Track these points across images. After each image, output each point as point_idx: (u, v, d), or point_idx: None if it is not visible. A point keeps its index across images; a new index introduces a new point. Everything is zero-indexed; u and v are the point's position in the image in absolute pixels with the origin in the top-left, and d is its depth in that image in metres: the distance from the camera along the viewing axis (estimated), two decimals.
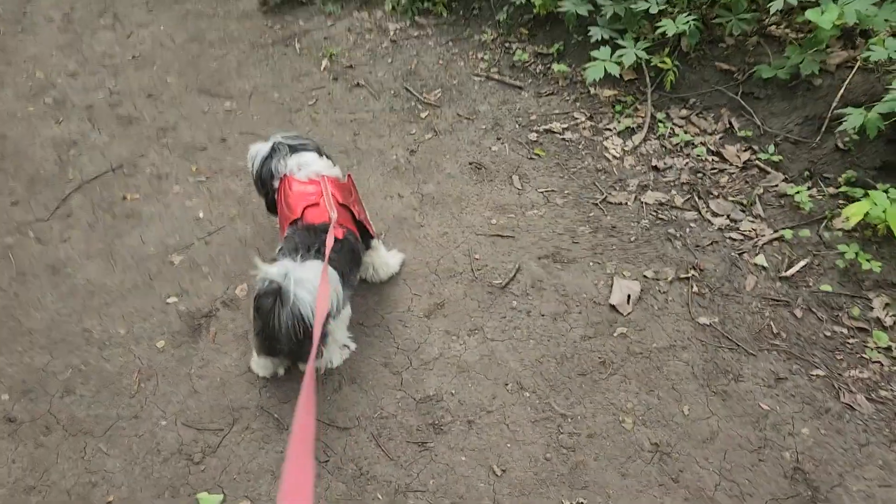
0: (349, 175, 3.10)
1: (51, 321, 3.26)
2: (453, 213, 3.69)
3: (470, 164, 4.00)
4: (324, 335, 2.66)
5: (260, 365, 2.92)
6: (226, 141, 4.31)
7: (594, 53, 4.05)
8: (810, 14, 3.52)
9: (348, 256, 2.77)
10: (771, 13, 3.81)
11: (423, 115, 4.40)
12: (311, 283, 2.46)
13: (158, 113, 4.57)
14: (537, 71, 4.59)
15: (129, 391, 2.97)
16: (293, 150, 3.07)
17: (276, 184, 3.05)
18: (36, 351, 3.13)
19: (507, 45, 4.82)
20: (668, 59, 4.02)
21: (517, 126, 4.23)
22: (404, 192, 3.83)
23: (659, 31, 3.89)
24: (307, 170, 2.97)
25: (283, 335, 2.48)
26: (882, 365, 2.86)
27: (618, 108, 4.17)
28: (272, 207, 3.16)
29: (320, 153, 3.09)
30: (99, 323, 3.25)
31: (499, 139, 4.16)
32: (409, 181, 3.89)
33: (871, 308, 3.02)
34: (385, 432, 2.78)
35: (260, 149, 3.12)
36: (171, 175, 4.06)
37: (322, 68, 4.87)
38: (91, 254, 3.59)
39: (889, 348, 2.89)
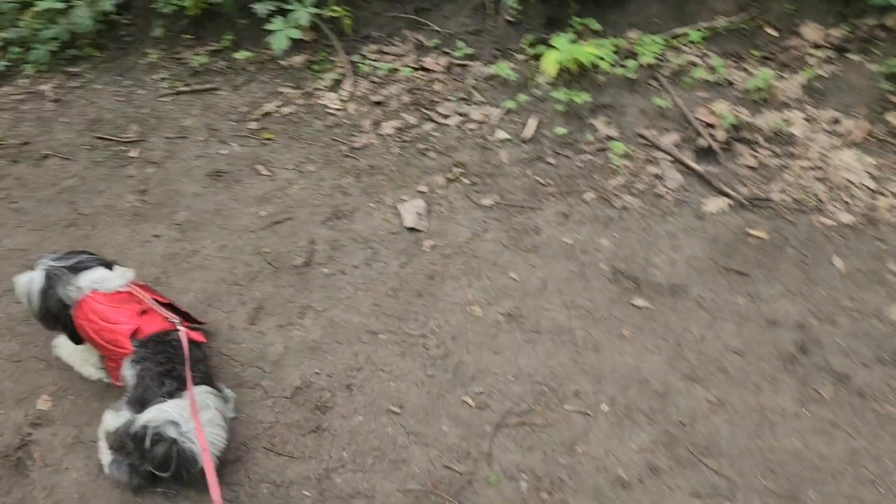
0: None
1: None
2: (220, 225, 3.58)
3: (207, 175, 3.87)
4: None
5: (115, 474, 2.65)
6: None
7: (270, 26, 4.09)
8: None
9: (202, 366, 2.70)
10: None
11: (131, 154, 4.13)
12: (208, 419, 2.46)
13: None
14: (222, 67, 4.53)
15: None
16: (75, 271, 2.79)
17: (72, 311, 2.77)
18: None
19: (177, 56, 4.66)
20: (337, 7, 4.21)
21: (232, 123, 4.16)
22: (158, 230, 3.61)
23: None
24: (108, 285, 2.77)
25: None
26: (627, 167, 3.40)
27: (315, 68, 4.28)
28: (76, 337, 2.86)
29: (108, 266, 2.86)
30: None
31: (222, 142, 4.06)
32: (158, 219, 3.67)
33: (597, 130, 3.55)
34: (277, 439, 2.71)
35: (32, 280, 2.78)
36: None
37: None
38: None
39: (626, 154, 3.44)
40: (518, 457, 2.55)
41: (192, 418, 2.46)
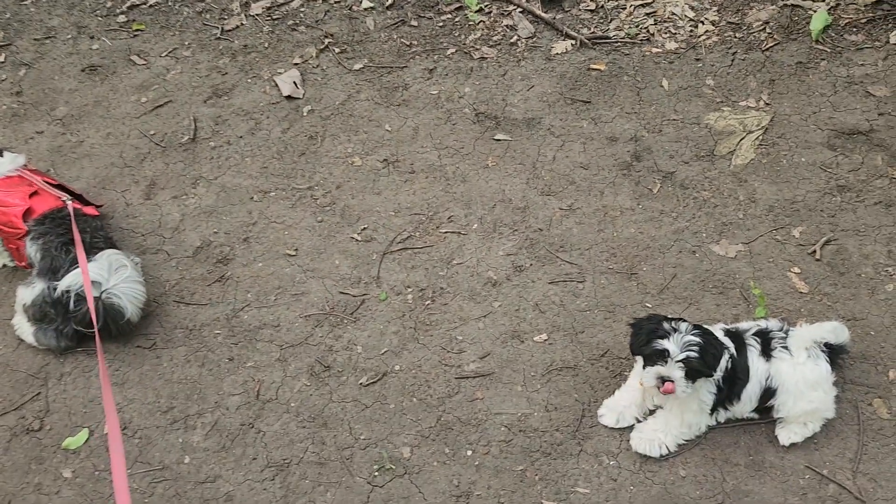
0: None
1: None
2: (102, 115, 3.66)
3: (82, 71, 3.90)
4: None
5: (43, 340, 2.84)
6: None
7: None
8: None
9: (102, 233, 2.89)
10: None
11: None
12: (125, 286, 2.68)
13: None
14: None
15: None
16: None
17: None
18: None
19: None
20: None
21: (100, 18, 4.16)
22: (40, 126, 3.65)
23: None
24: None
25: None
26: (483, 22, 3.68)
27: None
28: None
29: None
30: None
31: (92, 38, 4.07)
32: (38, 116, 3.69)
33: None
34: (185, 292, 2.95)
35: None
36: None
37: None
38: None
39: (481, 10, 3.72)
40: (403, 276, 2.91)
41: (111, 276, 2.67)
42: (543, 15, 3.57)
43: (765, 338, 2.26)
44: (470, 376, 2.61)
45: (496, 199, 3.07)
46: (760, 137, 3.11)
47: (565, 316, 2.73)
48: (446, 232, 3.01)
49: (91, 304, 2.53)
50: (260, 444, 2.53)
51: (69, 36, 4.11)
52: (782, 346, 2.24)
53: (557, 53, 3.47)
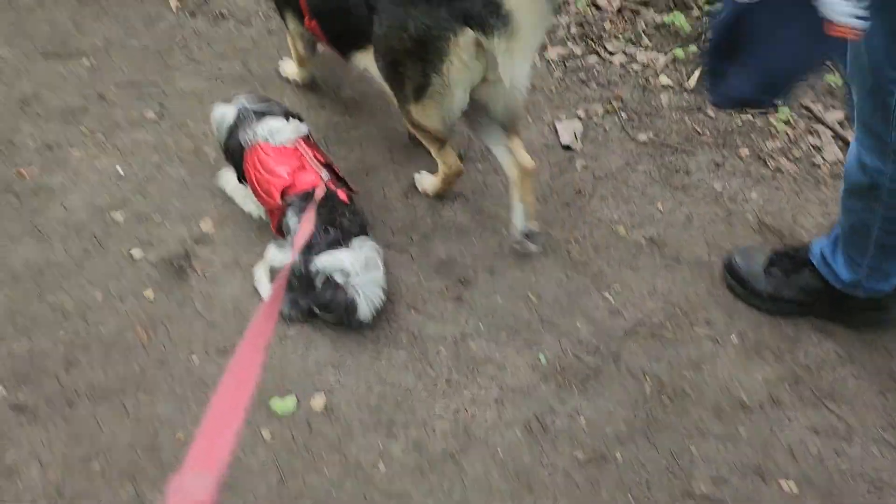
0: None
1: (7, 309, 2.93)
2: (384, 109, 3.76)
3: None
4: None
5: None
6: (105, 97, 3.97)
7: None
8: None
9: (359, 219, 2.88)
10: None
11: None
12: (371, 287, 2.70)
13: (7, 87, 4.07)
14: None
15: (140, 343, 2.80)
16: (260, 116, 3.01)
17: (245, 153, 3.00)
18: (8, 340, 2.82)
19: None
20: None
21: None
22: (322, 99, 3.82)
23: None
24: (279, 137, 2.96)
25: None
26: (787, 133, 3.46)
27: None
28: (243, 177, 3.08)
29: (287, 116, 3.05)
30: (66, 296, 2.97)
31: None
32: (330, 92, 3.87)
33: None
34: (419, 300, 2.91)
35: (225, 114, 3.04)
36: (61, 142, 3.68)
37: (174, 9, 4.58)
38: (14, 235, 3.22)
39: (788, 121, 3.50)
40: (644, 362, 2.70)
41: (361, 271, 2.66)
42: None
43: None
44: (699, 497, 2.34)
45: (763, 320, 2.80)
46: None
47: (821, 472, 2.40)
48: (701, 334, 2.77)
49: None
50: (457, 480, 2.38)
51: None
52: None
53: None
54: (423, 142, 3.02)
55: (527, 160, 2.89)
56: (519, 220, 2.95)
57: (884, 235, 2.38)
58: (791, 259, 2.75)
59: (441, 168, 3.08)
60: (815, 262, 2.68)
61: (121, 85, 4.04)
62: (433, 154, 3.04)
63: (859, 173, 2.30)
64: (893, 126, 2.09)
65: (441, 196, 3.24)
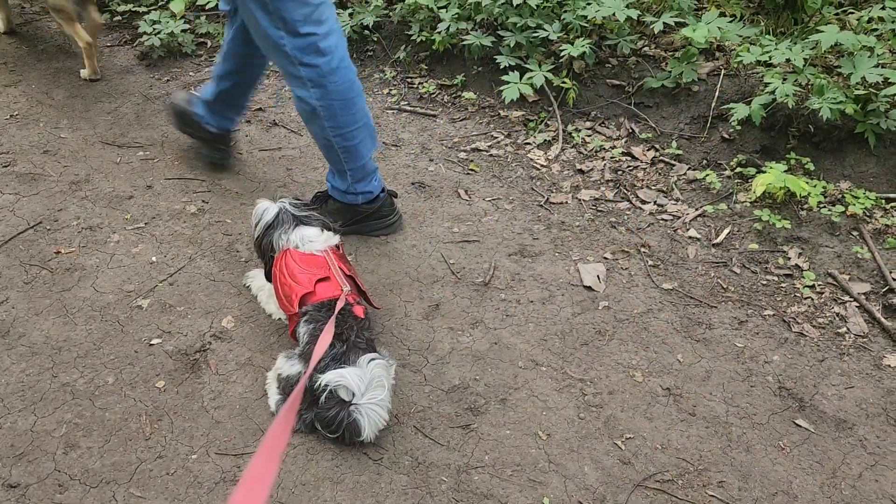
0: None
1: (20, 383, 2.95)
2: (414, 227, 3.87)
3: (413, 184, 4.21)
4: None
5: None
6: (152, 187, 4.15)
7: (506, 78, 4.49)
8: (686, 31, 4.24)
9: (368, 335, 2.88)
10: (649, 34, 4.51)
11: None
12: (374, 409, 2.65)
13: (63, 168, 4.29)
14: (445, 100, 4.96)
15: (142, 434, 2.77)
16: (298, 222, 3.09)
17: (276, 255, 3.09)
18: (15, 415, 2.82)
19: (408, 80, 5.14)
20: (567, 80, 4.57)
21: (444, 148, 4.53)
22: None
23: (563, 54, 4.43)
24: (309, 247, 3.03)
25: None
26: (812, 299, 3.46)
27: (530, 125, 4.62)
28: (269, 276, 3.15)
29: (323, 228, 3.12)
30: (80, 375, 2.99)
31: (431, 160, 4.42)
32: None
33: (789, 258, 3.65)
34: (427, 423, 2.86)
35: (266, 211, 3.12)
36: (103, 225, 3.83)
37: None
38: (39, 310, 3.29)
39: (813, 287, 3.51)
40: None
41: (366, 391, 2.64)
42: (883, 320, 3.28)
43: None
44: None
45: (778, 489, 2.70)
46: None
47: None
48: (712, 496, 2.67)
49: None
50: None
51: (412, 152, 4.50)
52: None
53: (889, 366, 3.13)
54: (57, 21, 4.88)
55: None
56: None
57: None
58: None
59: (79, 44, 4.93)
60: None
61: (169, 178, 4.23)
62: (65, 30, 4.93)
63: None
64: None
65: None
